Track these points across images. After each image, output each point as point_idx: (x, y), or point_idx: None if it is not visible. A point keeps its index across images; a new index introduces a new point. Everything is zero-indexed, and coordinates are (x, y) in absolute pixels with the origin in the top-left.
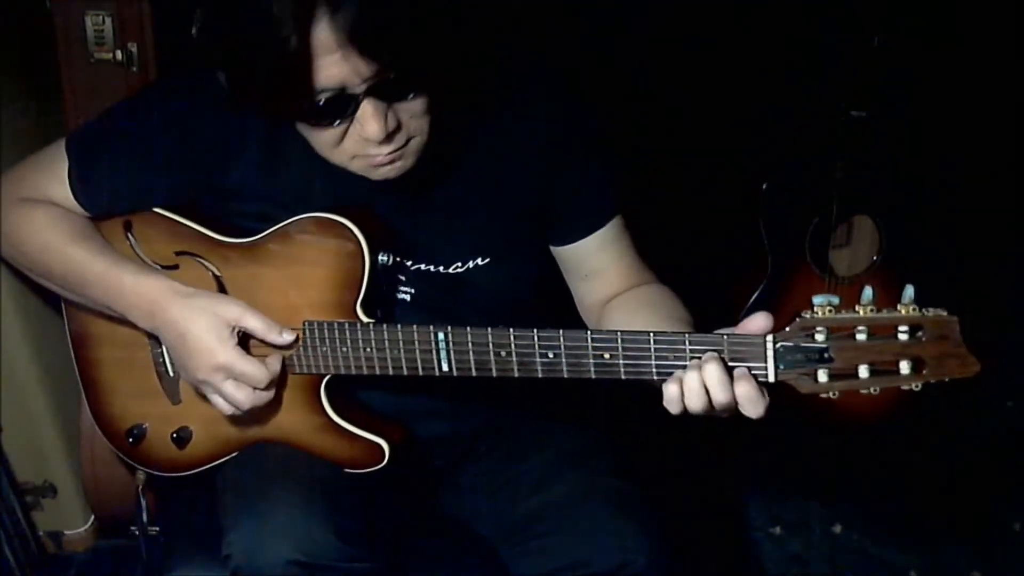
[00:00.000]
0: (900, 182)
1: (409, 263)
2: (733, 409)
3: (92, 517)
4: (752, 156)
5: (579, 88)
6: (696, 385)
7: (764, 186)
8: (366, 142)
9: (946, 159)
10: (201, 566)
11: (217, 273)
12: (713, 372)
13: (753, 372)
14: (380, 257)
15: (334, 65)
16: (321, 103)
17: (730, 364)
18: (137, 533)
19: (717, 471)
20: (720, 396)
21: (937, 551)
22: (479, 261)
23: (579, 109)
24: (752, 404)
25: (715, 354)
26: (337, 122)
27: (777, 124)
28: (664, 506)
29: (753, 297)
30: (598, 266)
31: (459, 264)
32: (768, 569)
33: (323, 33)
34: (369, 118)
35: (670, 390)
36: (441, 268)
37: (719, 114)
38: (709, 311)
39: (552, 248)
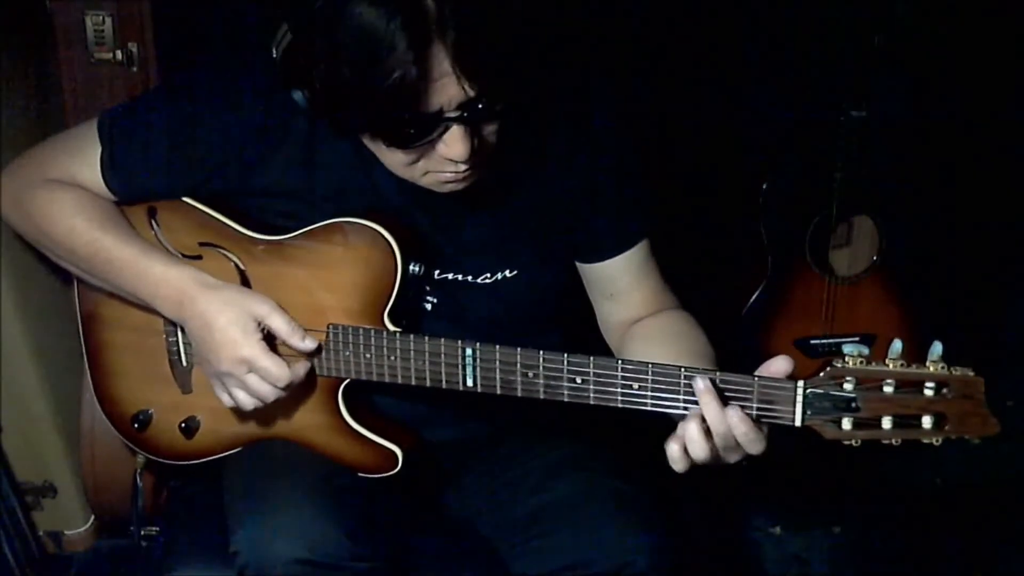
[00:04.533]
0: (900, 182)
1: (437, 272)
2: (734, 445)
3: (92, 517)
4: (752, 156)
5: (628, 106)
6: (695, 432)
7: (764, 186)
8: (446, 161)
9: (946, 159)
10: (201, 565)
11: (241, 267)
12: (711, 407)
13: (780, 415)
14: (412, 267)
15: (439, 91)
16: (412, 127)
17: (759, 406)
18: (132, 528)
19: (717, 471)
20: (718, 427)
21: (937, 551)
22: (507, 273)
23: (619, 129)
24: (753, 444)
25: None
26: (422, 143)
27: (777, 124)
28: (665, 507)
29: (753, 297)
30: (623, 287)
31: (488, 275)
32: (768, 569)
33: (434, 60)
34: (457, 141)
35: (672, 449)
36: (470, 278)
37: (719, 114)
38: (709, 312)
39: (578, 265)
